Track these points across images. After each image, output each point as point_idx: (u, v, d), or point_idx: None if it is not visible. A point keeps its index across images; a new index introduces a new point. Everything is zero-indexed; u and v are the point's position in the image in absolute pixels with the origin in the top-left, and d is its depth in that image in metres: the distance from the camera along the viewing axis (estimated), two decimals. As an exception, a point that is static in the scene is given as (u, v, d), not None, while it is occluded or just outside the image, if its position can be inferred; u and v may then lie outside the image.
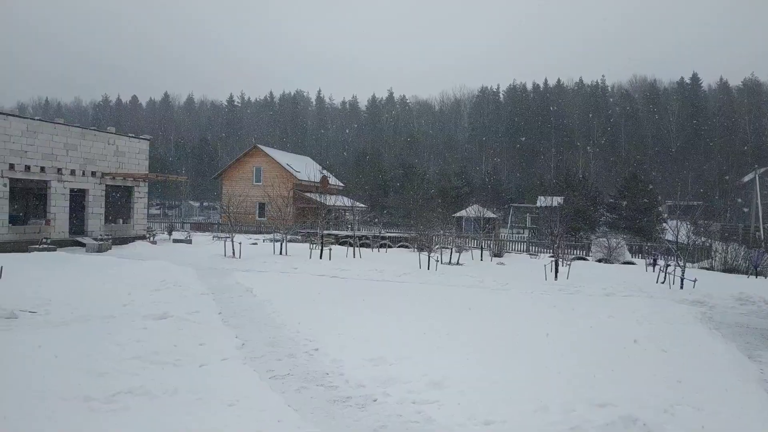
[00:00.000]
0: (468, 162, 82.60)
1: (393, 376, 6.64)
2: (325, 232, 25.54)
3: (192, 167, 75.69)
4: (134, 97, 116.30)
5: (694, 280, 16.47)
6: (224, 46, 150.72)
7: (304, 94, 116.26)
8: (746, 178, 43.77)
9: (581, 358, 7.80)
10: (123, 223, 27.54)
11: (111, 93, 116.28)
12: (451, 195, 54.30)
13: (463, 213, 42.44)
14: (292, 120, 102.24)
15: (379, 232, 30.53)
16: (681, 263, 17.80)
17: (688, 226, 23.98)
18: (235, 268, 18.05)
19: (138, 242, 26.26)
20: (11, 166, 21.80)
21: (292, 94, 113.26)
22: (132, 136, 28.64)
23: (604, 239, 28.63)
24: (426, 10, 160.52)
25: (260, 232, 35.51)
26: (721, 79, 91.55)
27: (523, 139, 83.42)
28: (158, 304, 10.91)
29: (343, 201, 37.21)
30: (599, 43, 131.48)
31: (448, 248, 24.22)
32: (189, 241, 28.66)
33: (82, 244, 23.51)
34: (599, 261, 25.94)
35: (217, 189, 54.18)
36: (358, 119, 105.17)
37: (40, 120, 24.52)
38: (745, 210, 44.67)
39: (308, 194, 41.24)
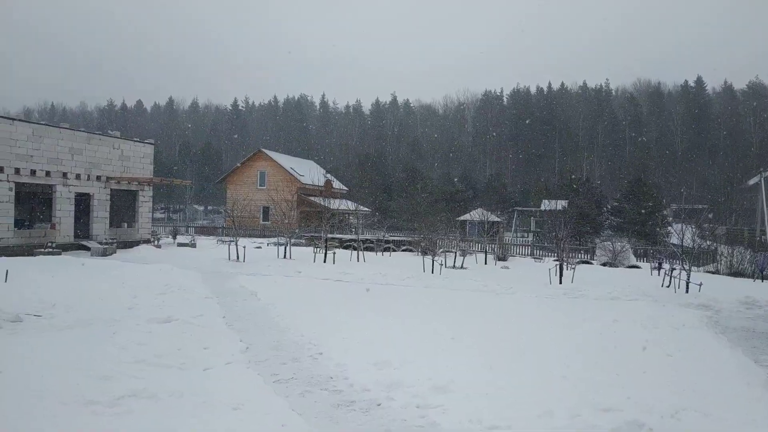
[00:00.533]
0: (472, 166, 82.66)
1: (397, 380, 6.62)
2: (329, 235, 25.56)
3: (196, 171, 75.93)
4: (139, 102, 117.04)
5: (700, 284, 16.37)
6: (228, 51, 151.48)
7: (308, 98, 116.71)
8: (752, 182, 43.53)
9: (586, 362, 7.76)
10: (128, 227, 27.63)
11: (116, 98, 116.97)
12: (455, 199, 54.26)
13: (467, 217, 42.41)
14: (296, 124, 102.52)
15: (383, 236, 30.52)
16: (686, 267, 17.71)
17: (693, 230, 23.85)
18: (240, 271, 18.07)
19: (142, 246, 26.33)
20: (17, 171, 21.91)
21: (296, 98, 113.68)
22: (137, 141, 28.76)
23: (609, 243, 28.53)
24: (426, 10, 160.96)
25: (264, 236, 35.57)
26: (725, 82, 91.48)
27: (527, 142, 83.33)
28: (162, 307, 10.93)
29: (347, 205, 37.27)
30: (602, 44, 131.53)
31: (452, 252, 24.19)
32: (193, 245, 28.73)
33: (87, 248, 23.59)
34: (604, 265, 25.84)
35: (222, 193, 54.32)
36: (362, 123, 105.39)
37: (45, 124, 24.65)
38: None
39: (312, 198, 41.30)
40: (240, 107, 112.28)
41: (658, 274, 20.42)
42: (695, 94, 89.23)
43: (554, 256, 24.55)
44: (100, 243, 24.40)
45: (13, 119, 23.06)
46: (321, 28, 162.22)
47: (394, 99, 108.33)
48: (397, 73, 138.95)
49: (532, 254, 31.01)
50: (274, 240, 29.82)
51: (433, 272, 19.09)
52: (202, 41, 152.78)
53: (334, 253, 22.54)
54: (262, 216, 43.67)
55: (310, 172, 45.18)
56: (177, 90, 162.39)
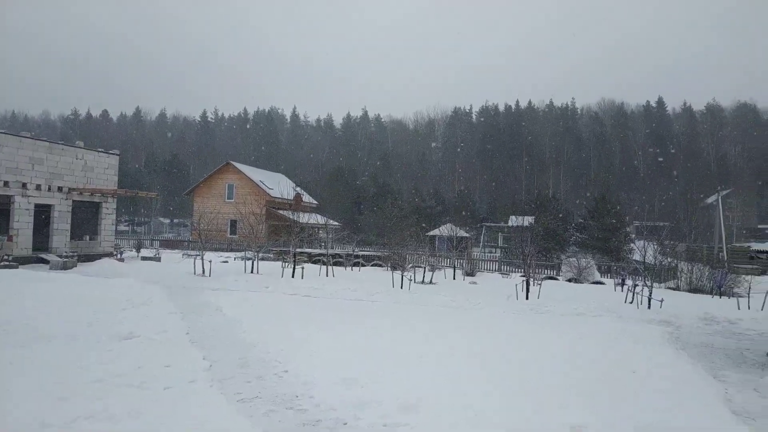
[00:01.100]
0: (442, 181, 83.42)
1: (365, 398, 6.55)
2: (298, 250, 25.34)
3: (163, 183, 74.52)
4: (105, 112, 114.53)
5: (661, 300, 16.79)
6: (199, 60, 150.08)
7: (279, 111, 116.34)
8: (710, 200, 45.11)
9: (552, 379, 7.83)
10: (90, 239, 26.85)
11: (81, 107, 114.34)
12: (424, 214, 54.54)
13: (436, 232, 42.64)
14: (266, 137, 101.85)
15: (353, 251, 30.41)
16: (648, 283, 18.14)
17: (655, 247, 24.49)
18: (205, 286, 17.72)
19: (105, 260, 25.59)
20: (-27, 180, 21.11)
21: (267, 110, 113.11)
22: (101, 151, 28.09)
23: (574, 259, 29.06)
24: (399, 28, 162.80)
25: (232, 250, 35.03)
26: (684, 103, 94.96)
27: (496, 159, 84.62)
28: (124, 324, 10.61)
29: (317, 219, 37.06)
30: (568, 63, 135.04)
31: (421, 267, 24.25)
32: (158, 259, 28.08)
33: (46, 261, 22.81)
34: (569, 280, 26.27)
35: (189, 206, 53.40)
36: (333, 137, 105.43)
37: (4, 133, 23.86)
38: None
39: (281, 212, 40.96)
40: (209, 119, 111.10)
41: (622, 290, 20.86)
42: (657, 115, 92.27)
43: (521, 272, 24.89)
44: (60, 256, 23.63)
45: (-30, 127, 22.26)
46: (296, 42, 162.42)
47: (365, 113, 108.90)
48: (368, 87, 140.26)
49: (499, 270, 31.34)
50: (242, 254, 29.40)
51: (402, 287, 19.08)
52: (176, 53, 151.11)
53: (303, 268, 22.33)
54: (229, 229, 43.05)
55: (280, 186, 44.83)
56: (144, 100, 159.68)
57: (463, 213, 51.83)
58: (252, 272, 22.17)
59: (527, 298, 17.68)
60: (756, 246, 41.02)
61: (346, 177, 70.32)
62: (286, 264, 22.86)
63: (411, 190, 71.89)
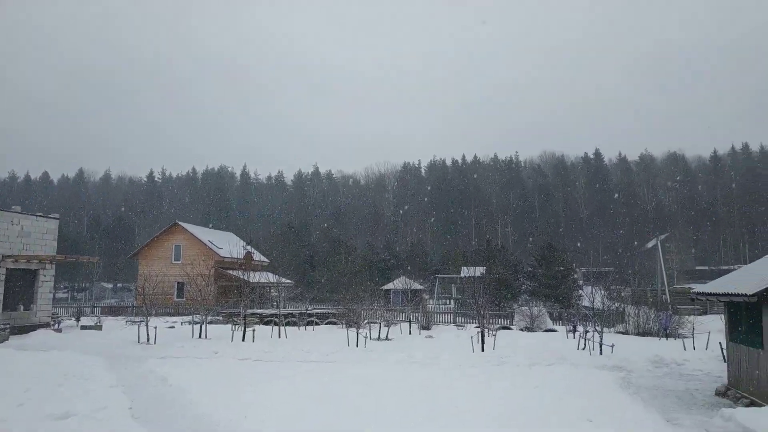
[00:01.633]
0: (394, 234, 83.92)
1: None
2: (249, 311, 24.61)
3: (106, 247, 71.71)
4: (45, 174, 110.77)
5: (612, 346, 17.14)
6: (146, 121, 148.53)
7: (229, 169, 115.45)
8: (650, 245, 47.04)
9: (511, 433, 7.75)
10: (24, 309, 25.25)
11: (19, 169, 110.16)
12: (378, 267, 54.37)
13: (390, 285, 42.51)
14: (215, 196, 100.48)
15: (306, 309, 29.79)
16: (599, 329, 18.52)
17: (602, 292, 25.19)
18: (150, 355, 16.85)
19: (41, 331, 24.04)
20: None
21: (216, 169, 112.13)
22: (39, 215, 26.91)
23: (527, 308, 29.42)
24: (343, 86, 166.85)
25: (179, 314, 33.66)
26: (620, 154, 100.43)
27: (446, 211, 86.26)
28: (60, 401, 9.88)
29: (268, 277, 36.29)
30: (510, 121, 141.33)
31: (376, 323, 23.94)
32: (99, 327, 26.61)
33: (-26, 336, 21.20)
34: (523, 330, 26.49)
35: (134, 269, 51.38)
36: (285, 194, 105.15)
37: (-68, 200, 22.59)
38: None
39: (231, 272, 39.93)
40: (156, 179, 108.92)
41: (574, 337, 21.18)
42: (595, 165, 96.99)
43: (476, 323, 24.92)
44: (-10, 329, 22.04)
45: None
46: (242, 101, 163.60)
47: (317, 169, 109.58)
48: (319, 144, 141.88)
49: (454, 321, 31.30)
50: (189, 318, 28.29)
51: (357, 346, 18.73)
52: (120, 113, 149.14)
53: (254, 330, 21.65)
54: (176, 293, 41.53)
55: (229, 245, 43.92)
56: (87, 161, 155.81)
57: (417, 265, 52.05)
58: (200, 337, 21.33)
59: (483, 350, 17.67)
60: (697, 287, 42.76)
61: (299, 233, 69.74)
62: (236, 327, 22.12)
63: (364, 244, 71.99)
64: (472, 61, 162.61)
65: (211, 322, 24.32)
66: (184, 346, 18.73)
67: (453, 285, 51.06)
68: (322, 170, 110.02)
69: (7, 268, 24.20)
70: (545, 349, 17.70)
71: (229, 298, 30.49)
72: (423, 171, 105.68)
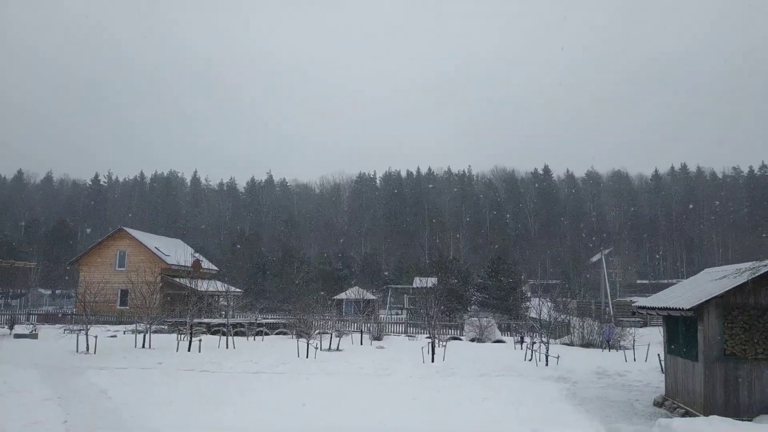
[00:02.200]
0: (348, 244, 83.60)
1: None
2: (196, 320, 23.94)
3: (45, 252, 68.24)
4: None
5: (557, 357, 17.59)
6: (93, 122, 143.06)
7: (179, 174, 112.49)
8: (594, 259, 48.70)
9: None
10: (-49, 317, 23.75)
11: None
12: (331, 277, 53.99)
13: (343, 295, 42.27)
14: (164, 201, 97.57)
15: (256, 319, 29.22)
16: (545, 340, 18.97)
17: (549, 304, 25.83)
18: (89, 365, 16.12)
19: (-31, 340, 22.65)
20: None
21: (165, 174, 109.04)
22: (-29, 218, 25.43)
23: (476, 319, 29.83)
24: (302, 93, 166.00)
25: (122, 323, 32.40)
26: (567, 170, 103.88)
27: (399, 222, 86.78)
28: (-13, 416, 9.31)
29: (217, 286, 35.44)
30: (464, 133, 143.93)
31: (328, 333, 23.73)
32: (35, 336, 25.27)
33: None
34: (472, 340, 26.82)
35: (75, 276, 49.14)
36: (237, 201, 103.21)
37: None
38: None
39: (178, 280, 38.78)
40: (102, 182, 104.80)
41: (521, 348, 21.61)
42: (543, 180, 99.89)
43: (427, 334, 25.08)
44: None
45: None
46: (197, 104, 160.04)
47: (270, 177, 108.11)
48: (273, 151, 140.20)
49: (406, 332, 31.39)
50: (133, 327, 27.25)
51: (308, 356, 18.49)
52: (63, 110, 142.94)
53: (201, 340, 21.06)
54: (119, 300, 39.98)
55: (177, 252, 42.68)
56: (27, 162, 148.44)
57: (370, 275, 52.00)
58: (144, 347, 20.58)
59: (433, 361, 17.79)
60: (639, 300, 44.49)
61: (251, 242, 68.53)
62: (182, 336, 21.46)
63: (318, 253, 71.42)
64: (431, 77, 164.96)
65: (155, 332, 23.52)
66: (126, 356, 18.03)
67: (406, 295, 51.24)
68: (276, 178, 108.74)
69: (-67, 273, 22.70)
70: (494, 360, 17.99)
71: (175, 307, 29.58)
72: (378, 182, 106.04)
